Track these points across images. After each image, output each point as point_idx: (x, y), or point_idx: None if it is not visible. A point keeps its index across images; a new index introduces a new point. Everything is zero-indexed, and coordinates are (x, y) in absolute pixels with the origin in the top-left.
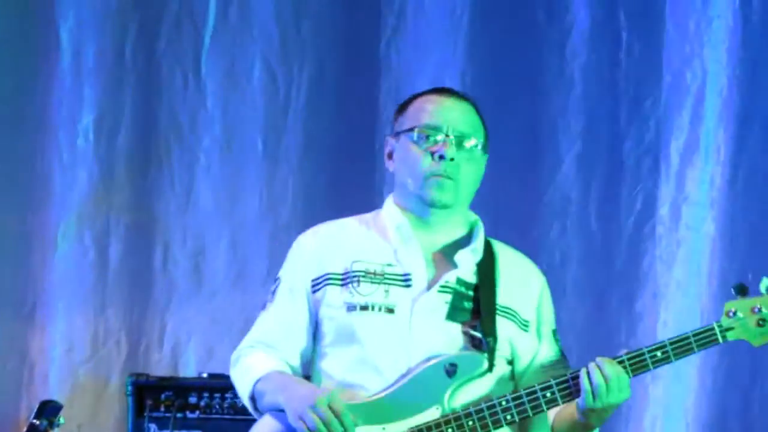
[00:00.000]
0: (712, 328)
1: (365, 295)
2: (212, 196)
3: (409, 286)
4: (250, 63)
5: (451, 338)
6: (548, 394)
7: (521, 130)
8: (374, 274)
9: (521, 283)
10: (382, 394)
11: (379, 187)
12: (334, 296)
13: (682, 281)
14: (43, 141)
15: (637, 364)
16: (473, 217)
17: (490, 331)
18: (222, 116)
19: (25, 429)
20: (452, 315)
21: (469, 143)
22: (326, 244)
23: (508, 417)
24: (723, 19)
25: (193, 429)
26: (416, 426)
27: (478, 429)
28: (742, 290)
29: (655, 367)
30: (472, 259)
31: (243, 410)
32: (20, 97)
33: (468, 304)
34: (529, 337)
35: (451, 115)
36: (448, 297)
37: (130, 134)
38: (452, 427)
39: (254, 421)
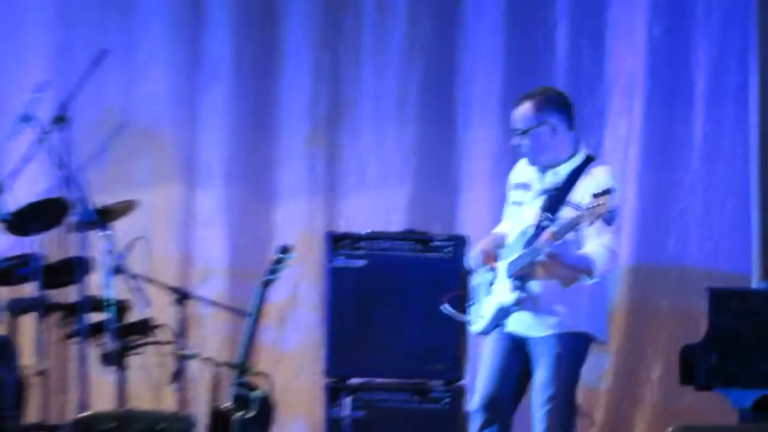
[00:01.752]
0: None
1: (517, 196)
2: None
3: (530, 191)
4: None
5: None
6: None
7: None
8: (524, 183)
9: (590, 186)
10: (507, 245)
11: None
12: (510, 196)
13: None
14: None
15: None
16: (570, 153)
17: (550, 214)
18: None
19: (274, 259)
20: (544, 207)
21: (525, 131)
22: (518, 166)
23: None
24: (635, 42)
25: None
26: (511, 260)
27: (525, 267)
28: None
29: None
30: (553, 179)
31: None
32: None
33: (551, 201)
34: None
35: (514, 119)
36: (545, 197)
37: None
38: (515, 262)
39: None
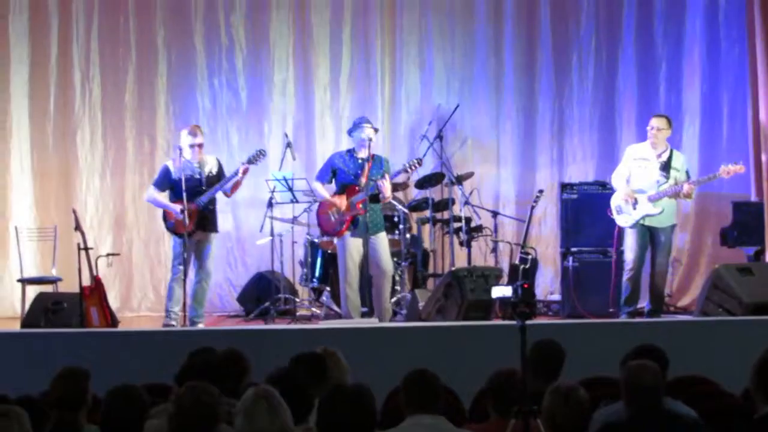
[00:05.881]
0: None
1: (641, 164)
2: None
3: (649, 161)
4: None
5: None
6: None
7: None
8: (644, 158)
9: (679, 161)
10: (644, 187)
11: None
12: (633, 163)
13: None
14: None
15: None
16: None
17: (667, 173)
18: None
19: (535, 195)
20: (662, 168)
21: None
22: (635, 148)
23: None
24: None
25: None
26: (649, 194)
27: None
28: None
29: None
30: (664, 157)
31: None
32: None
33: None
34: (681, 174)
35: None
36: (665, 171)
37: None
38: (652, 196)
39: None
